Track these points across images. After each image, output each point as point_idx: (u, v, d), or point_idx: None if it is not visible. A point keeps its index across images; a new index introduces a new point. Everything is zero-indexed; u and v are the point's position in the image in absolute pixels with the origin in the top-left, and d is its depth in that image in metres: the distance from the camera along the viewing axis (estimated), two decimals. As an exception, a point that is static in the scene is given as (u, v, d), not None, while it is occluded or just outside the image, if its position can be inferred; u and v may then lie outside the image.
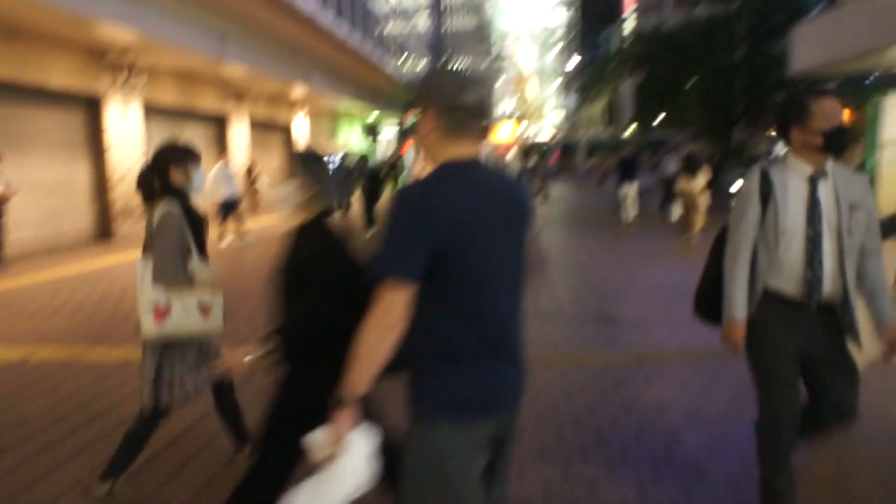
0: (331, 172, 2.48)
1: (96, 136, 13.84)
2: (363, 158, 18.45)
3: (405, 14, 33.55)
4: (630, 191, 15.01)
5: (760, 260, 2.69)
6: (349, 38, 20.65)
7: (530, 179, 14.74)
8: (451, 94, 1.74)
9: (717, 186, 24.68)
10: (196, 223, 3.23)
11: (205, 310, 3.20)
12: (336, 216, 2.48)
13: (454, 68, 1.85)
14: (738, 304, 2.72)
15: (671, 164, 17.98)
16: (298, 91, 23.88)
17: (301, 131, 28.38)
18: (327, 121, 33.16)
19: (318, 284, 2.30)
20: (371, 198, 14.61)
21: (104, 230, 14.09)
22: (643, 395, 4.59)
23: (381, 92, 33.67)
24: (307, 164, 2.46)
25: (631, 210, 14.95)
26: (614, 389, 4.71)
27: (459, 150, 1.77)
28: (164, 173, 3.20)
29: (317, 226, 2.43)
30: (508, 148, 30.45)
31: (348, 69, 25.50)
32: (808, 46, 12.69)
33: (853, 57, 11.89)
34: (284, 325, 2.32)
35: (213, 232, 14.13)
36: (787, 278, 2.65)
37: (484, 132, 1.79)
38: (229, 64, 15.54)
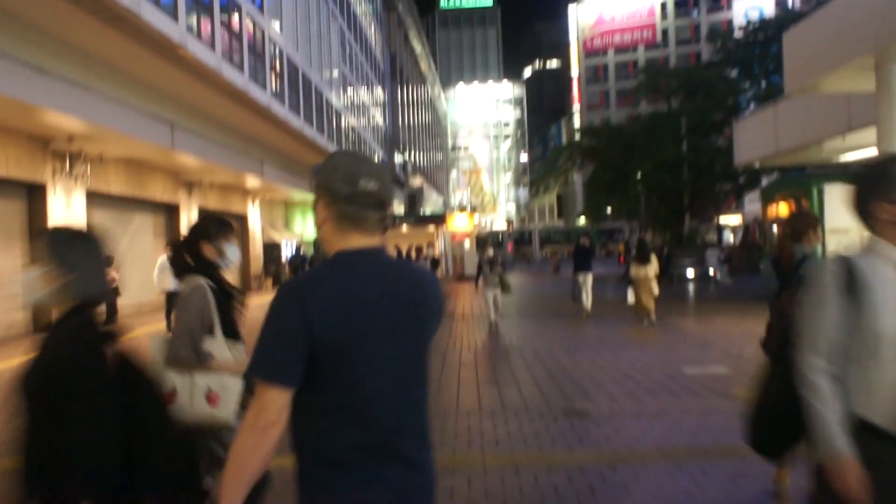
0: (93, 256, 2.06)
1: (37, 225, 13.25)
2: (317, 245, 18.34)
3: (363, 107, 34.18)
4: (587, 279, 14.99)
5: (847, 378, 2.02)
6: (304, 129, 20.68)
7: (491, 270, 14.73)
8: (344, 184, 1.65)
9: (670, 274, 25.20)
10: (227, 300, 3.04)
11: (212, 398, 2.89)
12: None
13: (352, 155, 1.76)
14: (837, 433, 1.96)
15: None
16: (253, 180, 23.72)
17: (255, 220, 28.04)
18: (282, 209, 32.95)
19: (70, 401, 1.85)
20: None
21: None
22: (623, 502, 4.20)
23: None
24: (57, 245, 2.00)
25: (588, 299, 14.82)
26: (591, 495, 4.31)
27: (354, 241, 1.68)
28: (196, 248, 3.07)
29: (70, 324, 1.97)
30: (464, 238, 30.58)
31: (303, 159, 25.54)
32: (751, 139, 13.18)
33: (793, 149, 12.35)
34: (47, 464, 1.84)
35: (161, 324, 13.43)
36: (885, 405, 1.95)
37: (382, 223, 1.70)
38: (180, 153, 15.30)
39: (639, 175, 26.68)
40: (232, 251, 3.17)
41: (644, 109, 33.56)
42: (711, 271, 24.93)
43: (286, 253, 30.51)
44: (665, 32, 78.60)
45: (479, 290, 13.31)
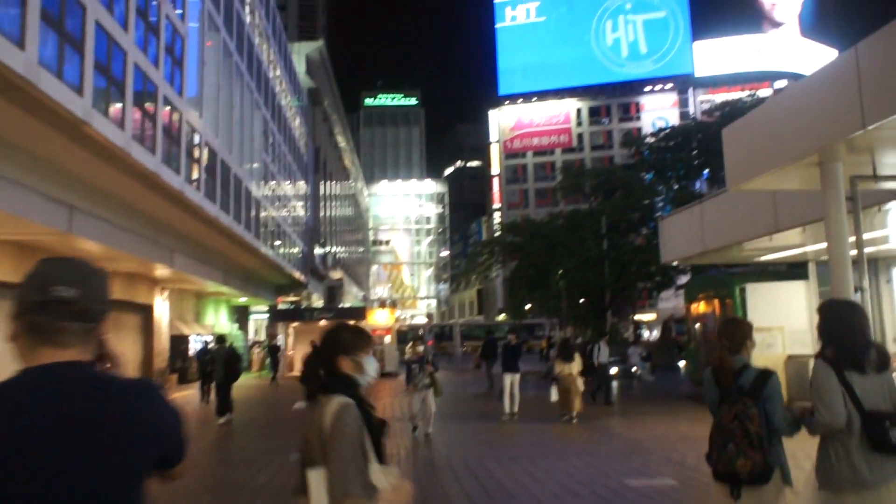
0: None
1: None
2: (220, 339, 16.80)
3: (284, 198, 33.45)
4: (515, 380, 13.97)
5: None
6: (220, 216, 19.67)
7: (421, 370, 14.08)
8: (34, 291, 1.52)
9: (594, 371, 24.91)
10: (369, 420, 2.72)
11: None
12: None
13: (56, 261, 1.58)
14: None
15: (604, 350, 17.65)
16: (162, 269, 22.24)
17: (163, 312, 26.24)
18: (193, 301, 31.15)
19: None
20: (226, 381, 14.30)
21: None
22: None
23: (253, 274, 32.46)
24: None
25: (515, 401, 13.78)
26: None
27: (45, 356, 1.51)
28: (332, 363, 2.79)
29: None
30: (385, 333, 29.62)
31: (219, 248, 24.33)
32: (677, 238, 13.22)
33: (719, 248, 12.39)
34: None
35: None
36: None
37: (86, 334, 1.54)
38: (79, 239, 14.01)
39: (560, 272, 26.86)
40: (371, 365, 2.87)
41: (562, 208, 34.44)
42: (634, 368, 24.80)
43: (194, 347, 28.59)
44: (580, 137, 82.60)
45: (409, 392, 12.04)
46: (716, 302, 15.70)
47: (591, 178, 30.06)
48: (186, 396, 21.29)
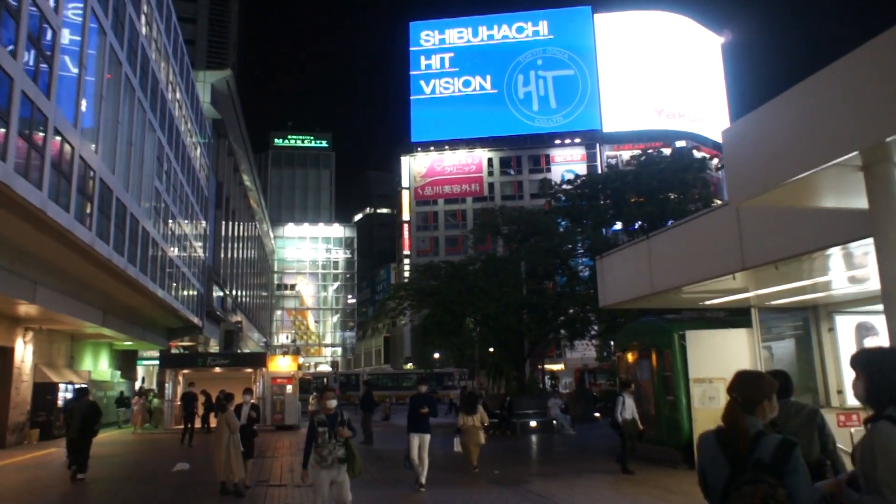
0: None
1: None
2: (81, 392, 15.00)
3: (179, 232, 30.57)
4: (424, 442, 11.41)
5: None
6: (95, 244, 16.99)
7: (332, 437, 12.25)
8: None
9: (513, 424, 23.45)
10: None
11: None
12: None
13: None
14: None
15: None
16: (24, 306, 19.14)
17: (26, 356, 22.76)
18: (67, 343, 27.52)
19: None
20: (82, 437, 13.41)
21: None
22: None
23: (139, 314, 29.18)
24: None
25: (424, 466, 11.37)
26: None
27: None
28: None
29: None
30: (286, 382, 27.09)
31: (96, 284, 21.38)
32: (620, 278, 12.02)
33: (666, 290, 11.26)
34: None
35: None
36: None
37: None
38: None
39: (476, 319, 25.47)
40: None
41: (474, 255, 33.46)
42: (555, 421, 23.47)
43: (64, 397, 25.00)
44: (492, 186, 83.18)
45: (308, 474, 7.50)
46: (652, 350, 14.56)
47: (509, 221, 29.09)
48: (51, 455, 18.06)
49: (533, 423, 23.40)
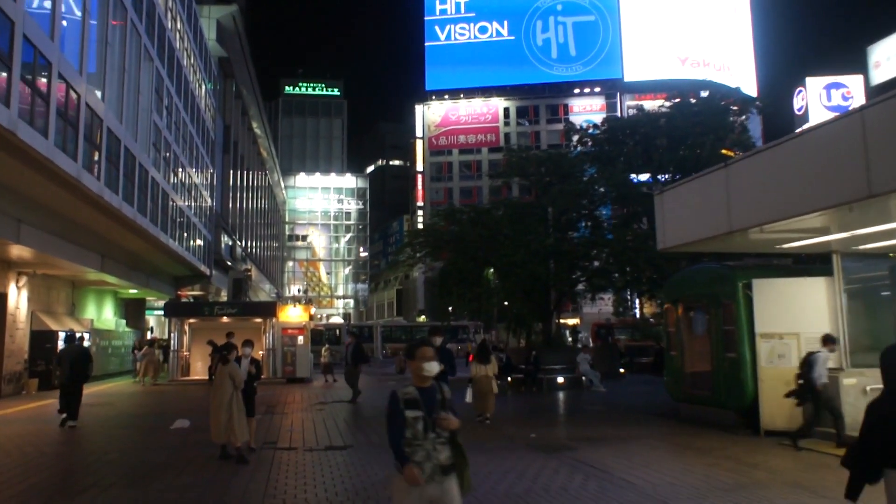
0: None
1: None
2: (70, 338, 14.14)
3: (184, 175, 28.87)
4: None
5: None
6: (83, 177, 15.30)
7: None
8: None
9: (539, 380, 21.99)
10: None
11: None
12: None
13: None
14: None
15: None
16: (16, 250, 17.65)
17: (20, 302, 21.41)
18: (66, 290, 26.18)
19: None
20: (72, 383, 13.20)
21: None
22: None
23: (142, 261, 27.72)
24: None
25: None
26: None
27: None
28: None
29: None
30: (298, 333, 25.66)
31: (92, 225, 19.81)
32: (684, 215, 10.22)
33: (728, 233, 9.49)
34: None
35: None
36: None
37: None
38: None
39: (499, 267, 23.81)
40: None
41: (497, 200, 31.58)
42: (584, 378, 21.98)
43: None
44: (508, 136, 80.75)
45: (415, 471, 4.01)
46: (709, 302, 12.82)
47: (536, 163, 27.09)
48: (48, 407, 16.75)
49: (560, 380, 21.94)
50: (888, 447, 3.64)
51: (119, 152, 18.20)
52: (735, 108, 29.55)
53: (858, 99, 57.49)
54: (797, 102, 62.45)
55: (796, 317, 11.54)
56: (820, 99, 62.75)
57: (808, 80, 61.68)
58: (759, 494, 7.34)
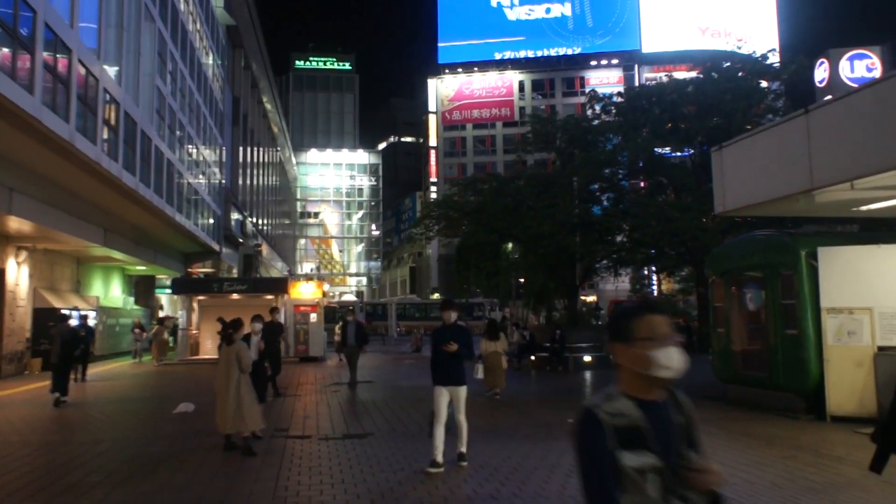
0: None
1: None
2: (62, 318, 13.44)
3: (191, 146, 27.73)
4: (459, 397, 7.52)
5: None
6: (76, 141, 14.13)
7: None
8: None
9: (565, 359, 20.88)
10: None
11: None
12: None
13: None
14: None
15: None
16: (13, 222, 16.64)
17: (21, 278, 20.46)
18: (71, 267, 25.24)
19: None
20: (63, 362, 13.22)
21: None
22: None
23: (148, 235, 26.70)
24: None
25: (460, 434, 7.57)
26: None
27: None
28: None
29: None
30: (311, 310, 24.60)
31: (93, 197, 18.74)
32: (751, 172, 8.93)
33: (810, 190, 8.22)
34: None
35: None
36: None
37: None
38: None
39: (522, 240, 22.58)
40: None
41: (519, 170, 30.26)
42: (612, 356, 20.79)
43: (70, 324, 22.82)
44: (522, 110, 78.97)
45: None
46: (765, 273, 11.54)
47: (563, 129, 25.71)
48: (47, 388, 15.80)
49: (587, 358, 20.77)
50: None
51: (118, 117, 17.03)
52: (772, 71, 27.91)
53: (883, 70, 55.27)
54: (819, 74, 60.23)
55: (869, 289, 10.28)
56: (842, 71, 60.64)
57: (831, 51, 59.52)
58: (859, 497, 6.17)
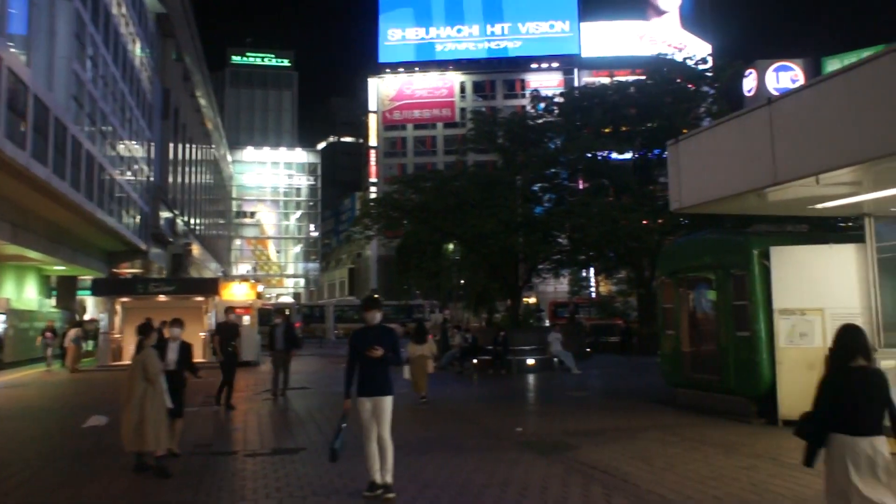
0: None
1: None
2: None
3: (114, 138, 26.04)
4: (382, 411, 6.45)
5: None
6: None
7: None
8: None
9: (508, 362, 20.38)
10: None
11: None
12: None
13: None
14: None
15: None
16: None
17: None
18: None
19: None
20: None
21: None
22: None
23: (67, 233, 24.91)
24: None
25: (384, 459, 6.91)
26: None
27: None
28: None
29: None
30: (244, 312, 23.31)
31: (5, 192, 17.16)
32: (708, 167, 8.53)
33: (772, 185, 7.87)
34: None
35: None
36: None
37: None
38: None
39: (465, 239, 22.00)
40: None
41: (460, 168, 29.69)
42: (555, 359, 20.41)
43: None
44: (464, 111, 78.82)
45: None
46: (717, 274, 11.22)
47: (505, 128, 25.26)
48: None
49: (530, 361, 20.33)
50: (833, 415, 4.27)
51: (26, 100, 15.52)
52: (710, 75, 28.24)
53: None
54: (747, 83, 62.52)
55: (820, 290, 10.03)
56: (768, 82, 62.97)
57: (759, 62, 61.75)
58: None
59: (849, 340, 4.45)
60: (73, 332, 22.96)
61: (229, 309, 14.17)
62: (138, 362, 7.42)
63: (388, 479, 6.33)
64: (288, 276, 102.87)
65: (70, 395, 15.94)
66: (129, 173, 29.58)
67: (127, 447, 7.32)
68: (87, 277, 33.94)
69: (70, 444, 9.35)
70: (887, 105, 6.45)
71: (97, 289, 25.14)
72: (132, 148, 30.52)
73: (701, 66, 28.93)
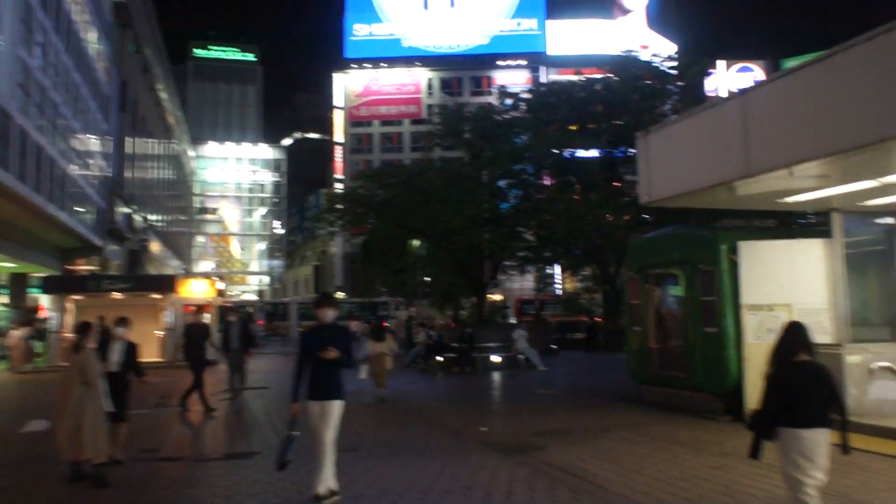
0: None
1: None
2: None
3: (65, 129, 25.05)
4: (326, 413, 5.83)
5: None
6: None
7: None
8: None
9: (473, 360, 20.10)
10: None
11: None
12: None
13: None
14: None
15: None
16: None
17: None
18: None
19: None
20: None
21: None
22: None
23: (12, 227, 23.86)
24: None
25: (328, 466, 6.42)
26: None
27: None
28: None
29: None
30: (205, 309, 22.51)
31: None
32: (679, 159, 8.30)
33: (744, 177, 7.68)
34: None
35: None
36: None
37: None
38: None
39: (431, 236, 21.62)
40: None
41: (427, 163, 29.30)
42: (520, 356, 20.17)
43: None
44: (431, 108, 78.39)
45: None
46: (684, 269, 11.05)
47: (471, 121, 24.94)
48: None
49: (496, 359, 20.07)
50: (782, 410, 4.44)
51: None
52: (675, 73, 28.30)
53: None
54: (710, 83, 63.42)
55: (788, 285, 9.93)
56: (730, 81, 63.96)
57: (720, 62, 62.43)
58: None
59: (791, 337, 4.56)
60: (21, 332, 22.00)
61: (201, 308, 13.72)
62: (75, 364, 6.91)
63: (333, 484, 5.96)
64: (252, 274, 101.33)
65: (11, 397, 15.17)
66: (83, 167, 28.54)
67: (63, 455, 6.80)
68: (41, 275, 32.69)
69: (4, 451, 8.74)
70: (859, 97, 6.26)
71: (48, 286, 24.17)
72: (87, 141, 29.47)
73: (668, 64, 28.96)
